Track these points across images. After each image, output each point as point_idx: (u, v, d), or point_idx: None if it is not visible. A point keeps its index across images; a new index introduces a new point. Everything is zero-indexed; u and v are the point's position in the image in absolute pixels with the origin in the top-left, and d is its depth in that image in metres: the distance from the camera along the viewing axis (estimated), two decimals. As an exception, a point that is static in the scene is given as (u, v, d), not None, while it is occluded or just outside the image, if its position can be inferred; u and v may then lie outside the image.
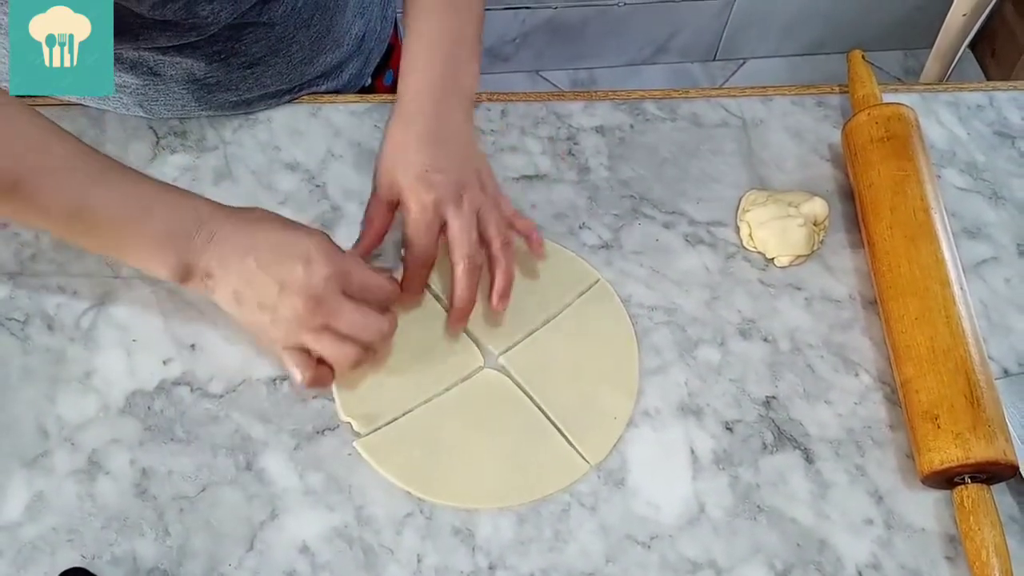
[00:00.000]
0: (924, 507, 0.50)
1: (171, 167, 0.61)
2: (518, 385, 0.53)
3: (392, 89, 0.76)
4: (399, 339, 0.52)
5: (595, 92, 0.68)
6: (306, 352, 0.48)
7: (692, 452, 0.51)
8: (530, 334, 0.55)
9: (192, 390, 0.52)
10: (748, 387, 0.54)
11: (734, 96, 0.69)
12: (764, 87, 0.70)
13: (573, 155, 0.65)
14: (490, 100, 0.67)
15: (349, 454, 0.50)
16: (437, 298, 0.57)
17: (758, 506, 0.50)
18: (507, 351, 0.55)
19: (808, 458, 0.52)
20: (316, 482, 0.49)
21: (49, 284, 0.55)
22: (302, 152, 0.63)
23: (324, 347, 0.48)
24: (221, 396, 0.52)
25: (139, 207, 0.47)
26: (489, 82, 1.90)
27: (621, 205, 0.62)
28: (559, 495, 0.50)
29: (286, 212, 0.59)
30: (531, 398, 0.53)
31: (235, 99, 0.63)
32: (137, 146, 0.62)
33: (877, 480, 0.51)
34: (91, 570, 0.45)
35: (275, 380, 0.53)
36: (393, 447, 0.51)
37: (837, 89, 0.70)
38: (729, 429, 0.52)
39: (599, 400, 0.53)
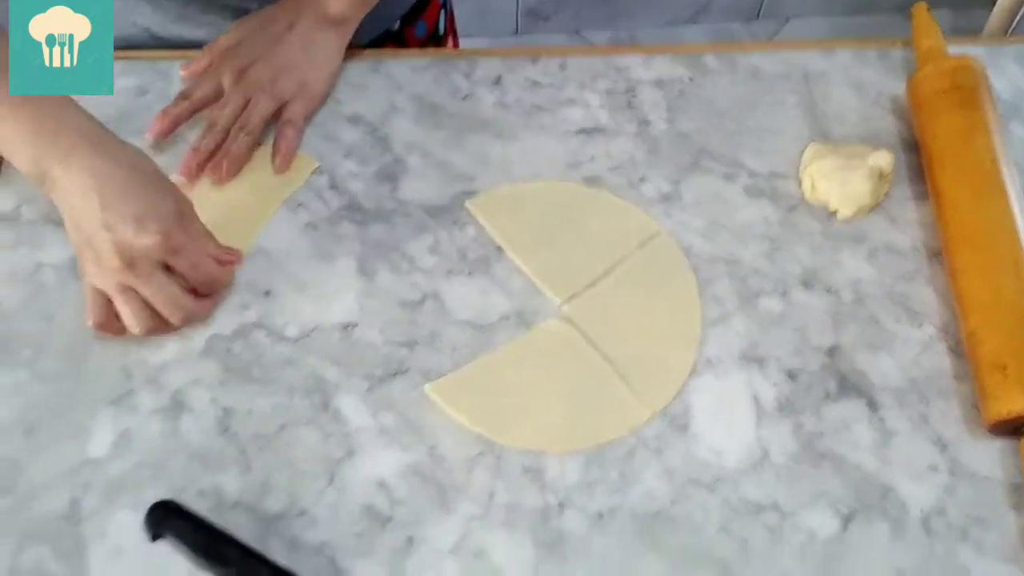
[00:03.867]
0: (989, 456, 0.50)
1: (238, 120, 0.62)
2: (582, 333, 0.54)
3: (424, 42, 0.76)
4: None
5: (653, 46, 0.68)
6: (106, 297, 0.50)
7: (755, 400, 0.52)
8: (593, 284, 0.56)
9: (268, 334, 0.54)
10: (811, 337, 0.54)
11: (794, 49, 0.68)
12: (824, 40, 0.69)
13: (632, 108, 0.65)
14: (549, 55, 0.67)
15: (419, 397, 0.52)
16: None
17: (821, 453, 0.50)
18: (570, 300, 0.56)
19: (871, 406, 0.52)
20: (389, 422, 0.51)
21: (127, 233, 0.57)
22: (364, 105, 0.64)
23: (122, 306, 0.50)
24: (296, 340, 0.54)
25: (15, 99, 0.47)
26: (528, 43, 1.85)
27: (680, 158, 0.62)
28: (624, 439, 0.51)
29: (350, 164, 0.61)
30: (594, 345, 0.54)
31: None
32: (205, 99, 0.63)
33: (941, 429, 0.51)
34: (177, 501, 0.48)
35: (346, 327, 0.54)
36: (462, 391, 0.52)
37: (900, 42, 0.69)
38: (792, 378, 0.53)
39: (661, 348, 0.54)
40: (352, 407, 0.52)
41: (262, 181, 0.60)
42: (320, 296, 0.55)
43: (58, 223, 0.55)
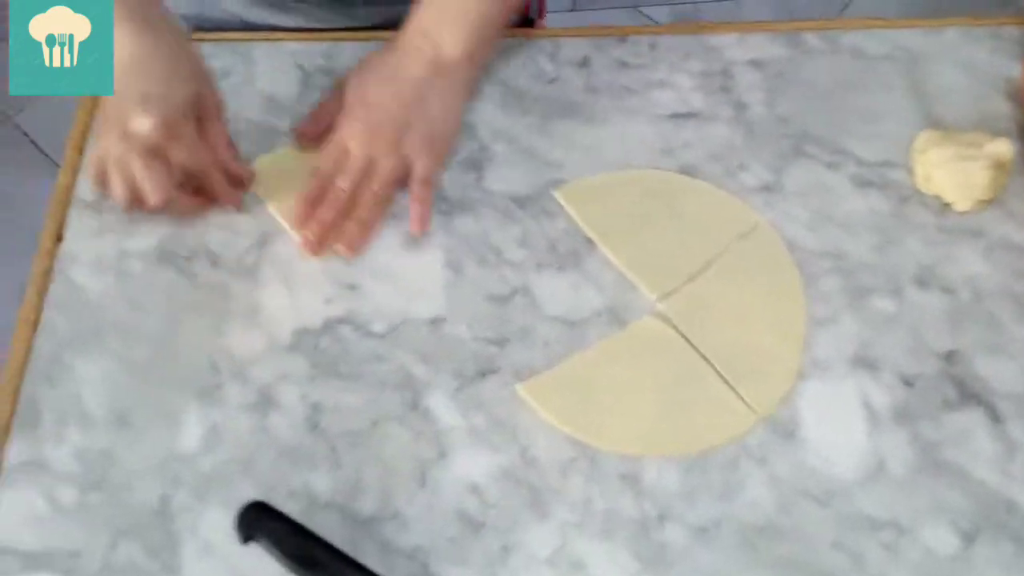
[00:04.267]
0: (1126, 472, 0.47)
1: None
2: (679, 332, 0.52)
3: (516, 27, 0.73)
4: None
5: (748, 23, 0.64)
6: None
7: (867, 406, 0.49)
8: (690, 279, 0.53)
9: (355, 329, 0.52)
10: (927, 339, 0.51)
11: (899, 27, 0.64)
12: (932, 19, 0.65)
13: (727, 91, 0.61)
14: (637, 34, 0.64)
15: (511, 396, 0.50)
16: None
17: (940, 465, 0.47)
18: (666, 297, 0.53)
19: (993, 416, 0.49)
20: (480, 422, 0.49)
21: (212, 221, 0.56)
22: (448, 89, 0.61)
23: (111, 171, 0.51)
24: (383, 335, 0.52)
25: None
26: (587, 19, 1.79)
27: (781, 144, 0.59)
28: (726, 446, 0.49)
29: (434, 151, 0.59)
30: (692, 344, 0.51)
31: None
32: (286, 83, 0.61)
33: (1070, 441, 0.48)
34: (269, 503, 0.47)
35: (434, 321, 0.53)
36: (555, 392, 0.50)
37: (1013, 21, 0.64)
38: (907, 383, 0.50)
39: (765, 349, 0.51)
40: (442, 406, 0.50)
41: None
42: (406, 290, 0.54)
43: (144, 213, 0.55)
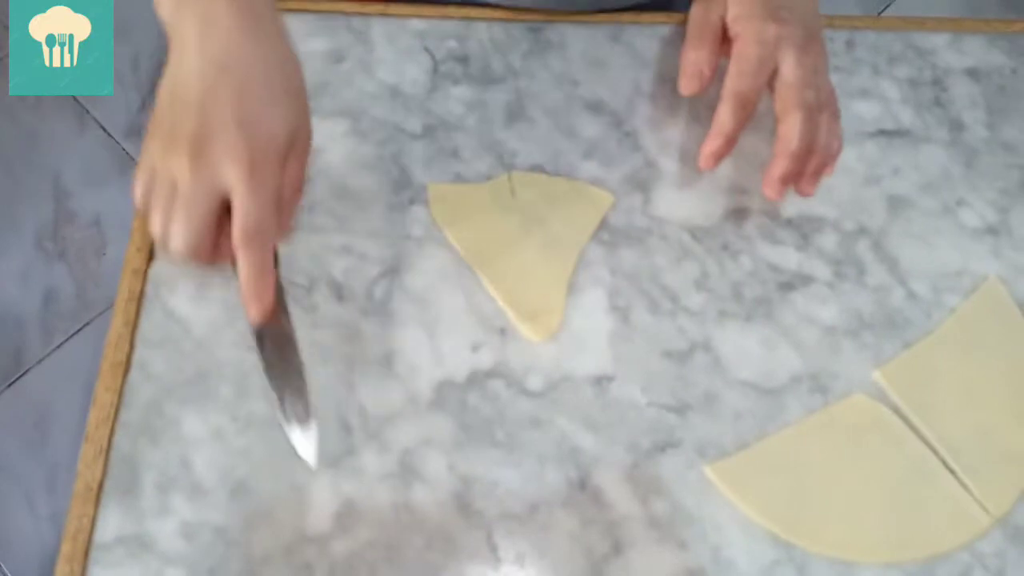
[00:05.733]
0: None
1: (454, 101, 0.51)
2: (897, 411, 0.44)
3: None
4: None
5: (963, 21, 0.54)
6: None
7: None
8: (908, 346, 0.45)
9: (508, 384, 0.44)
10: None
11: None
12: None
13: (941, 106, 0.51)
14: (831, 27, 0.54)
15: (697, 479, 0.42)
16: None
17: None
18: (882, 365, 0.44)
19: None
20: (661, 511, 0.42)
21: (331, 243, 0.47)
22: (605, 88, 0.52)
23: (157, 192, 0.38)
24: (541, 394, 0.44)
25: None
26: None
27: (1007, 176, 0.49)
28: (956, 553, 0.41)
29: (591, 166, 0.50)
30: (914, 428, 0.43)
31: None
32: (413, 71, 0.52)
33: None
34: (413, 594, 0.40)
35: (599, 380, 0.44)
36: (751, 477, 0.42)
37: None
38: None
39: (1001, 434, 0.43)
40: (615, 487, 0.42)
41: (570, 218, 0.48)
42: (565, 337, 0.45)
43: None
